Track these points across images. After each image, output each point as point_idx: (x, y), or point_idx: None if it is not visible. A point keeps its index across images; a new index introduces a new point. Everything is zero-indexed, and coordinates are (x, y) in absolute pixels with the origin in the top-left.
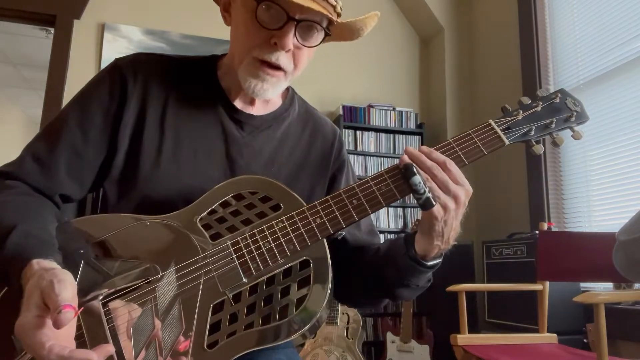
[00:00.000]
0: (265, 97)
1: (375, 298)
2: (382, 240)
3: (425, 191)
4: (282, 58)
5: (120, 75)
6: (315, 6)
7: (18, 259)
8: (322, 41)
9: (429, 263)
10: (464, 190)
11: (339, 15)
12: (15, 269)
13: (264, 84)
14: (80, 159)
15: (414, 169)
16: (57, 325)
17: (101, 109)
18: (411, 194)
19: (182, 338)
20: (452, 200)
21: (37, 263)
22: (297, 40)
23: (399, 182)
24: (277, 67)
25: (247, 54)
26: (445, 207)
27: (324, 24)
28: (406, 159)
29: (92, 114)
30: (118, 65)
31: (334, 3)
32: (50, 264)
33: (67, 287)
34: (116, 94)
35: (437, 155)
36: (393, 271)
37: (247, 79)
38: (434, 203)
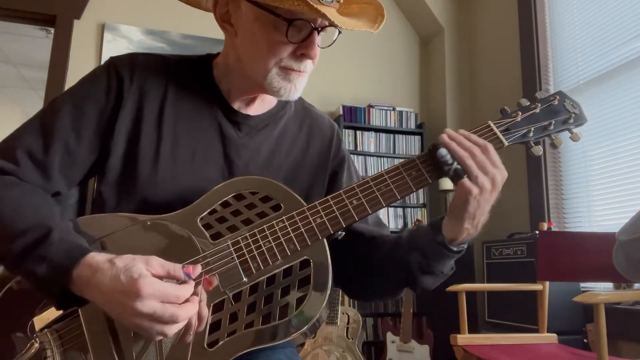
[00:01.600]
0: (295, 98)
1: (396, 287)
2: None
3: (453, 162)
4: (308, 65)
5: (117, 75)
6: (350, 24)
7: (76, 252)
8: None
9: (456, 248)
10: (501, 173)
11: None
12: (68, 263)
13: (296, 85)
14: (72, 158)
15: (440, 144)
16: (197, 271)
17: (96, 109)
18: (442, 174)
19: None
20: (489, 181)
21: (97, 254)
22: (319, 46)
23: (399, 182)
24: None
25: (274, 65)
26: (482, 187)
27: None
28: (444, 137)
29: (87, 113)
30: (114, 64)
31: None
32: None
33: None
34: (112, 94)
35: (477, 138)
36: (418, 257)
37: (280, 87)
38: (463, 175)
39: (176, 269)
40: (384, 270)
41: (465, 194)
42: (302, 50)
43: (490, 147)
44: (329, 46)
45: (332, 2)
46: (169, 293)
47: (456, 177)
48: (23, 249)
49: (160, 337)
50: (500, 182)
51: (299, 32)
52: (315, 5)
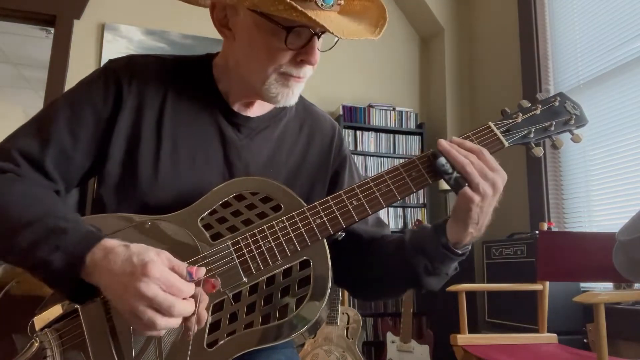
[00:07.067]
0: (292, 103)
1: (400, 288)
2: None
3: (453, 170)
4: (308, 71)
5: (115, 79)
6: (350, 32)
7: (91, 238)
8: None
9: (461, 251)
10: (500, 176)
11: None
12: (84, 249)
13: (294, 91)
14: (68, 161)
15: (438, 153)
16: (200, 274)
17: (93, 113)
18: (444, 181)
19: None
20: (490, 187)
21: (111, 239)
22: (319, 50)
23: (399, 182)
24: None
25: (273, 72)
26: (483, 194)
27: None
28: (443, 144)
29: (84, 117)
30: (112, 67)
31: (341, 2)
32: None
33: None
34: (110, 98)
35: (471, 144)
36: (423, 260)
37: (277, 93)
38: (464, 183)
39: (181, 266)
40: (388, 272)
41: (467, 202)
42: (302, 57)
43: (485, 151)
44: (329, 49)
45: (332, 5)
46: (173, 283)
47: (457, 186)
48: (34, 240)
49: (149, 331)
50: (501, 184)
51: (299, 37)
52: (313, 13)
